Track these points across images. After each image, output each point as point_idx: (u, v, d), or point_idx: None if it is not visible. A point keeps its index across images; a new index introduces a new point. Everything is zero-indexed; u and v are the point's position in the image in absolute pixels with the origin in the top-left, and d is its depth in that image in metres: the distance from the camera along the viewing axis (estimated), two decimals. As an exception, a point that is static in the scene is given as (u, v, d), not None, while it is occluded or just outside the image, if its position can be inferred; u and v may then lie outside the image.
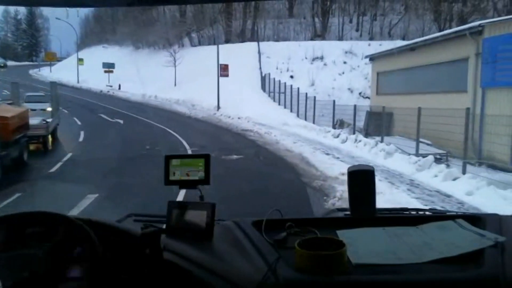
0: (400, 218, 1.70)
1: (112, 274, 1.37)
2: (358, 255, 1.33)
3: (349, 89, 31.95)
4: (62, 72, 61.76)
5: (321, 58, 36.84)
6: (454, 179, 9.61)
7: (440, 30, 33.41)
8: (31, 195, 8.99)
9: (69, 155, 14.06)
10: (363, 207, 1.64)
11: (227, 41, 48.12)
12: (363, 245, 1.40)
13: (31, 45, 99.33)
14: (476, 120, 13.41)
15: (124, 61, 53.64)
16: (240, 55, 37.32)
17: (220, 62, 30.38)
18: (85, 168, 12.32)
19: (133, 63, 50.85)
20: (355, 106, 20.21)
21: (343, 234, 1.49)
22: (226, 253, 1.43)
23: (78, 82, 54.51)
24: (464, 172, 10.40)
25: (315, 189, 9.25)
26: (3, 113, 11.52)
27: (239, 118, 24.77)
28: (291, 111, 27.47)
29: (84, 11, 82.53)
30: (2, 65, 72.15)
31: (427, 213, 1.88)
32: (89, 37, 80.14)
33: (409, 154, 12.84)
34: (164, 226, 1.62)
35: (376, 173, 1.69)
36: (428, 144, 14.18)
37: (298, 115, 26.00)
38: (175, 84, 41.51)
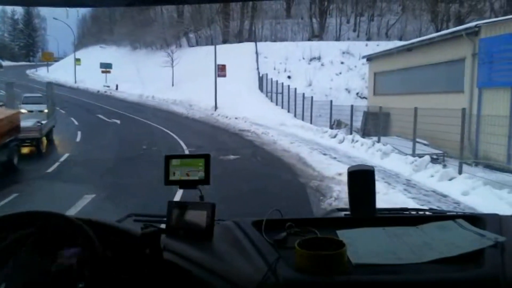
0: (400, 218, 1.70)
1: (112, 274, 1.36)
2: (358, 255, 1.33)
3: (346, 89, 31.98)
4: (59, 72, 61.68)
5: (319, 58, 36.88)
6: (450, 179, 9.64)
7: (437, 31, 33.49)
8: (28, 195, 8.98)
9: (66, 155, 14.05)
10: (363, 207, 1.64)
11: (225, 41, 48.11)
12: (363, 245, 1.40)
13: (28, 45, 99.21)
14: (472, 120, 13.46)
15: (121, 61, 53.61)
16: (237, 55, 37.32)
17: (218, 63, 30.37)
18: (82, 168, 12.31)
19: (131, 64, 50.90)
20: (352, 106, 20.24)
21: (343, 234, 1.49)
22: (226, 253, 1.43)
23: (75, 82, 54.42)
24: (460, 172, 10.43)
25: (312, 189, 9.27)
26: None
27: (236, 118, 24.77)
28: (288, 111, 27.47)
29: (82, 11, 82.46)
30: None
31: (427, 213, 1.88)
32: (87, 37, 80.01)
33: (406, 154, 12.87)
34: (164, 226, 1.61)
35: None
36: (425, 144, 14.22)
37: (295, 116, 26.00)
38: (172, 85, 41.49)
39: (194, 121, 26.04)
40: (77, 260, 1.32)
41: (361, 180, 1.65)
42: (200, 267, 1.38)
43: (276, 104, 29.89)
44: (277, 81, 30.37)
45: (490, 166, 11.82)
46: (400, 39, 38.09)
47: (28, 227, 1.36)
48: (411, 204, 7.51)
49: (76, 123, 22.98)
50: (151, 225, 1.52)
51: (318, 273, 1.20)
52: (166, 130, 20.01)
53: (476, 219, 1.59)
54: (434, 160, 12.42)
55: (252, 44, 41.57)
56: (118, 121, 24.04)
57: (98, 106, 32.56)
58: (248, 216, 1.65)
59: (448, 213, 1.81)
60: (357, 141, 15.45)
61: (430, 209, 2.09)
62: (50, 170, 11.91)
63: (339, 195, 8.13)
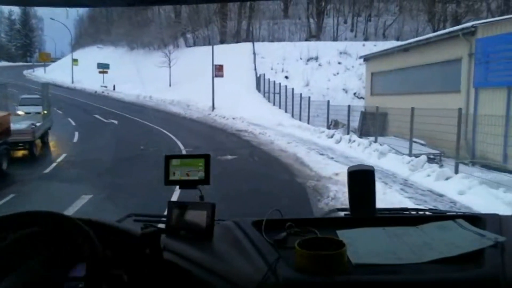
0: (400, 218, 1.70)
1: (112, 274, 1.36)
2: (358, 255, 1.33)
3: (343, 89, 32.02)
4: (57, 73, 61.61)
5: (316, 58, 36.90)
6: (447, 179, 9.67)
7: (434, 31, 33.55)
8: (25, 196, 8.98)
9: (64, 155, 14.04)
10: (363, 207, 1.64)
11: (222, 41, 48.12)
12: (363, 245, 1.40)
13: (25, 45, 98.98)
14: (469, 120, 13.50)
15: (118, 61, 53.58)
16: (235, 55, 37.31)
17: (215, 63, 30.37)
18: (79, 169, 12.30)
19: (128, 64, 50.83)
20: (349, 106, 20.26)
21: (343, 234, 1.49)
22: (226, 253, 1.43)
23: (72, 82, 54.37)
24: (456, 172, 10.46)
25: (309, 189, 9.28)
26: None
27: (234, 118, 24.77)
28: (285, 111, 27.47)
29: (79, 11, 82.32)
30: None
31: (427, 213, 1.88)
32: (84, 37, 79.89)
33: (403, 154, 12.90)
34: (164, 226, 1.61)
35: None
36: (422, 144, 14.25)
37: (292, 116, 26.01)
38: (170, 85, 41.49)
39: (191, 122, 26.03)
40: (77, 260, 1.33)
41: (361, 180, 1.65)
42: (200, 267, 1.38)
43: (274, 104, 29.88)
44: (274, 81, 30.37)
45: (487, 166, 11.84)
46: (397, 39, 38.13)
47: (28, 227, 1.36)
48: (408, 203, 7.54)
49: (73, 123, 22.95)
50: (151, 225, 1.52)
51: (318, 273, 1.20)
52: (163, 130, 19.99)
53: (476, 219, 1.59)
54: (431, 160, 12.45)
55: (249, 44, 41.58)
56: (116, 122, 24.01)
57: (95, 106, 32.52)
58: (248, 216, 1.65)
59: (448, 213, 1.81)
60: (354, 141, 15.48)
61: (430, 209, 2.09)
62: (47, 170, 11.91)
63: (336, 195, 8.15)
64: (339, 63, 35.73)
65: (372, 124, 17.86)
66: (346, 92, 31.68)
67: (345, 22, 49.82)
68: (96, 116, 26.60)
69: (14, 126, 13.19)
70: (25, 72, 67.76)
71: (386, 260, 1.30)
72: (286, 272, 1.22)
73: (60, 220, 1.35)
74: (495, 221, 1.55)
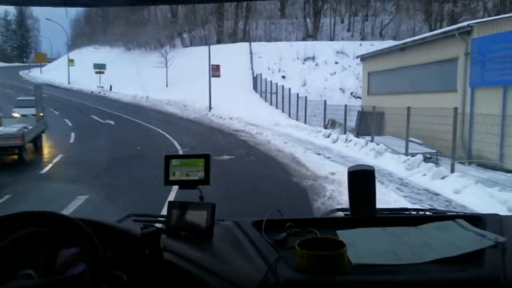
0: (400, 218, 1.70)
1: (112, 274, 1.36)
2: (358, 255, 1.32)
3: (340, 89, 32.05)
4: (53, 73, 61.55)
5: (313, 58, 36.95)
6: (443, 178, 9.69)
7: (431, 30, 33.62)
8: (21, 196, 8.96)
9: (60, 156, 14.03)
10: (363, 207, 1.64)
11: (219, 41, 48.12)
12: (363, 245, 1.40)
13: (21, 46, 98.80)
14: (465, 120, 13.52)
15: (115, 62, 53.52)
16: (231, 55, 37.33)
17: (212, 63, 30.37)
18: (75, 169, 12.29)
19: (125, 64, 50.84)
20: (346, 106, 20.28)
21: (343, 234, 1.48)
22: (226, 253, 1.42)
23: (69, 83, 54.30)
24: (452, 171, 10.48)
25: (306, 189, 9.29)
26: None
27: (230, 118, 24.78)
28: (282, 111, 27.50)
29: (75, 12, 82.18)
30: None
31: (427, 213, 1.88)
32: (80, 38, 79.80)
33: (399, 154, 12.93)
34: (164, 226, 1.61)
35: None
36: (418, 144, 14.27)
37: (289, 115, 26.03)
38: (166, 85, 41.46)
39: (188, 122, 26.02)
40: (77, 260, 1.32)
41: (361, 180, 1.65)
42: (200, 267, 1.38)
43: (271, 104, 29.92)
44: (271, 81, 30.40)
45: (483, 165, 11.87)
46: (394, 39, 38.22)
47: (28, 227, 1.35)
48: (403, 202, 7.56)
49: (69, 124, 22.92)
50: (151, 225, 1.52)
51: (318, 273, 1.20)
52: (160, 130, 19.98)
53: (476, 219, 1.58)
54: (427, 159, 12.47)
55: (246, 44, 41.61)
56: (112, 122, 23.98)
57: (91, 107, 32.47)
58: (248, 216, 1.65)
59: (448, 213, 1.81)
60: (350, 140, 15.50)
61: (430, 209, 2.08)
62: (43, 171, 11.89)
63: (332, 194, 8.15)
64: (336, 62, 35.78)
65: (369, 124, 17.88)
66: (343, 91, 31.72)
67: (342, 21, 49.88)
68: (93, 116, 26.55)
69: (4, 130, 12.94)
70: (21, 72, 67.65)
71: (386, 260, 1.30)
72: (286, 272, 1.22)
73: (60, 220, 1.34)
74: (495, 221, 1.54)
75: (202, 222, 1.57)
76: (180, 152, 13.85)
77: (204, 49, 34.73)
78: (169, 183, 1.77)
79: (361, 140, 15.11)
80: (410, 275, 1.23)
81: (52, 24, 72.13)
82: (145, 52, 56.13)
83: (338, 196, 7.95)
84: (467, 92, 14.49)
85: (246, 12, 50.67)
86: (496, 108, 12.73)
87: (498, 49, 13.15)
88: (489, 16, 28.55)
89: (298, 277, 1.20)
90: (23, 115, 18.18)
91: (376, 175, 1.67)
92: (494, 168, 11.04)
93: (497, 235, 1.40)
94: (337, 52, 36.91)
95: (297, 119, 24.40)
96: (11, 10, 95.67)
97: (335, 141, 16.28)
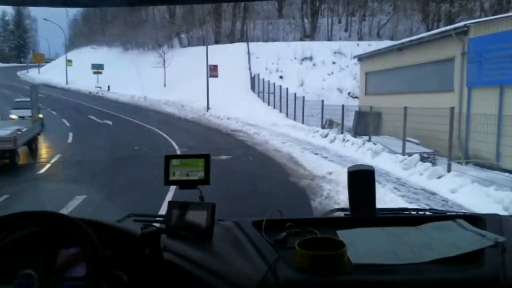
0: (400, 218, 1.70)
1: (112, 274, 1.35)
2: (358, 255, 1.32)
3: (338, 89, 32.09)
4: (51, 73, 61.48)
5: (310, 58, 36.97)
6: (439, 177, 9.73)
7: (428, 30, 33.67)
8: (19, 196, 8.97)
9: (58, 156, 14.03)
10: (363, 207, 1.63)
11: (217, 41, 48.13)
12: (363, 245, 1.39)
13: (19, 46, 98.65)
14: (462, 119, 13.57)
15: (113, 62, 53.51)
16: (229, 55, 37.34)
17: (210, 63, 30.39)
18: (73, 169, 12.32)
19: (122, 64, 50.82)
20: (343, 106, 20.31)
21: (343, 234, 1.48)
22: (226, 253, 1.42)
23: (67, 83, 54.26)
24: (449, 170, 10.52)
25: (303, 188, 9.33)
26: None
27: (228, 118, 24.79)
28: (280, 111, 27.52)
29: (73, 12, 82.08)
30: None
31: (427, 213, 1.87)
32: (78, 38, 79.70)
33: (396, 153, 12.97)
34: (164, 226, 1.60)
35: None
36: (416, 143, 14.30)
37: (287, 115, 26.05)
38: (164, 85, 41.46)
39: (186, 122, 26.03)
40: (77, 260, 1.33)
41: (361, 180, 1.65)
42: (200, 267, 1.38)
43: (268, 104, 29.94)
44: (269, 81, 30.42)
45: (480, 164, 11.92)
46: (392, 39, 38.25)
47: (28, 227, 1.36)
48: (400, 201, 7.60)
49: (67, 124, 22.92)
50: (151, 225, 1.52)
51: (318, 273, 1.19)
52: (158, 131, 19.99)
53: (476, 219, 1.58)
54: (424, 159, 12.50)
55: (244, 44, 41.61)
56: (110, 122, 23.98)
57: (89, 107, 32.47)
58: (248, 216, 1.64)
59: (448, 213, 1.80)
60: (348, 140, 15.54)
61: (430, 209, 2.07)
62: (41, 171, 11.89)
63: (329, 194, 8.18)
64: (334, 63, 35.82)
65: (366, 124, 17.91)
66: (341, 91, 31.76)
67: (340, 22, 49.92)
68: (91, 117, 26.54)
69: None
70: (19, 73, 67.56)
71: (386, 260, 1.30)
72: (286, 272, 1.21)
73: (60, 220, 1.35)
74: (495, 221, 1.54)
75: (202, 222, 1.56)
76: (178, 152, 13.86)
77: (202, 49, 34.75)
78: (169, 183, 1.76)
79: (359, 140, 15.15)
80: (410, 275, 1.23)
81: (50, 24, 72.01)
82: (143, 52, 56.09)
83: (336, 195, 7.98)
84: (464, 92, 14.52)
85: (243, 12, 50.67)
86: (492, 108, 12.77)
87: (495, 49, 13.18)
88: (486, 16, 28.61)
89: (298, 277, 1.20)
90: (20, 117, 17.89)
91: (373, 174, 1.67)
92: (490, 167, 11.09)
93: (497, 235, 1.40)
94: (335, 52, 36.94)
95: (294, 119, 24.41)
96: (9, 10, 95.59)
97: (332, 141, 16.32)
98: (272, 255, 1.31)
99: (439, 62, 16.12)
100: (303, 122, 23.05)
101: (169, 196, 7.49)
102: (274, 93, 29.10)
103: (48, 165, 12.70)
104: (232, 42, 46.66)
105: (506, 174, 9.68)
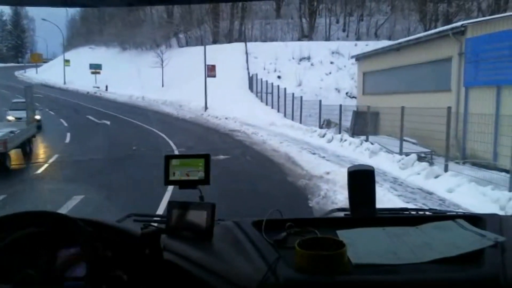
0: (400, 218, 1.70)
1: (112, 274, 1.36)
2: (358, 255, 1.32)
3: (336, 89, 32.11)
4: (49, 73, 61.42)
5: (308, 58, 36.99)
6: (436, 177, 9.77)
7: (426, 30, 33.72)
8: (17, 196, 8.98)
9: (56, 156, 14.03)
10: (363, 207, 1.63)
11: (215, 41, 48.12)
12: (363, 245, 1.39)
13: (17, 46, 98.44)
14: (459, 119, 13.60)
15: (111, 62, 53.45)
16: (227, 55, 37.34)
17: (208, 63, 30.39)
18: (71, 169, 12.32)
19: (120, 64, 50.79)
20: (340, 106, 20.34)
21: (343, 234, 1.48)
22: (226, 253, 1.42)
23: (64, 83, 54.20)
24: (446, 170, 10.56)
25: (301, 188, 9.35)
26: None
27: (226, 118, 24.80)
28: (278, 111, 27.55)
29: (71, 12, 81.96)
30: None
31: (427, 213, 1.88)
32: (76, 38, 79.57)
33: (393, 153, 13.00)
34: (164, 226, 1.60)
35: None
36: (413, 143, 14.34)
37: (285, 115, 26.09)
38: (162, 85, 41.42)
39: (184, 122, 26.01)
40: (77, 259, 1.33)
41: (361, 180, 1.65)
42: (200, 267, 1.38)
43: (266, 104, 29.96)
44: (267, 81, 30.43)
45: (477, 164, 11.95)
46: (389, 39, 38.30)
47: (28, 227, 1.36)
48: (397, 201, 7.62)
49: (65, 124, 22.91)
50: (151, 225, 1.53)
51: (318, 273, 1.19)
52: (156, 130, 19.99)
53: (476, 219, 1.58)
54: (422, 159, 12.54)
55: (242, 44, 41.61)
56: (108, 122, 23.96)
57: (87, 107, 32.43)
58: (248, 216, 1.65)
59: (448, 213, 1.81)
60: (345, 140, 15.58)
61: (430, 209, 2.08)
62: (39, 171, 11.89)
63: (326, 193, 8.20)
64: (332, 62, 35.85)
65: (364, 124, 17.93)
66: (339, 91, 31.78)
67: (337, 22, 49.94)
68: (89, 117, 26.52)
69: None
70: (16, 73, 67.46)
71: (386, 260, 1.30)
72: (286, 272, 1.22)
73: (60, 220, 1.36)
74: (495, 221, 1.54)
75: (202, 222, 1.57)
76: (176, 152, 13.87)
77: (199, 49, 34.76)
78: (169, 183, 1.77)
79: (356, 140, 15.19)
80: (410, 275, 1.23)
81: (47, 24, 71.72)
82: (141, 52, 56.05)
83: (333, 195, 8.00)
84: (461, 92, 14.57)
85: (241, 12, 50.68)
86: (489, 108, 12.81)
87: (492, 49, 13.23)
88: (484, 16, 28.69)
89: (298, 277, 1.20)
90: (17, 118, 17.48)
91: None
92: (487, 167, 11.12)
93: (497, 235, 1.40)
94: (332, 52, 36.97)
95: (292, 119, 24.45)
96: (6, 10, 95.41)
97: (330, 141, 16.35)
98: (272, 255, 1.31)
99: (436, 62, 16.17)
100: (301, 122, 23.08)
101: (167, 196, 7.52)
102: (272, 93, 29.11)
103: (46, 165, 12.70)
104: (230, 42, 46.65)
105: (503, 173, 9.69)
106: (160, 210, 6.54)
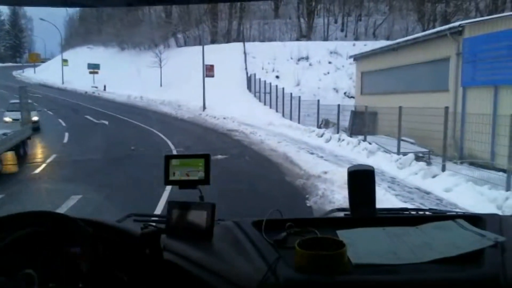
0: (400, 218, 1.70)
1: (112, 274, 1.37)
2: (358, 255, 1.32)
3: (334, 89, 32.15)
4: (47, 73, 61.33)
5: (307, 58, 37.04)
6: (434, 177, 9.79)
7: (424, 30, 33.77)
8: (15, 196, 8.97)
9: (54, 156, 14.02)
10: (363, 207, 1.63)
11: (213, 41, 48.14)
12: (363, 245, 1.39)
13: (15, 46, 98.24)
14: (457, 119, 13.64)
15: (109, 62, 53.39)
16: (225, 55, 37.34)
17: (206, 63, 30.39)
18: (69, 169, 12.30)
19: (119, 64, 50.74)
20: (338, 105, 20.38)
21: (343, 234, 1.48)
22: (226, 253, 1.42)
23: (63, 83, 54.11)
24: (443, 170, 10.59)
25: (298, 187, 9.37)
26: None
27: (224, 118, 24.81)
28: (276, 111, 27.57)
29: (69, 11, 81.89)
30: None
31: (427, 213, 1.88)
32: (74, 37, 79.43)
33: (391, 153, 13.03)
34: (164, 226, 1.60)
35: None
36: (411, 143, 14.37)
37: (283, 115, 26.11)
38: (160, 85, 41.41)
39: (182, 122, 26.01)
40: (77, 259, 1.33)
41: (361, 180, 1.65)
42: (200, 267, 1.38)
43: (264, 104, 29.99)
44: (265, 81, 30.46)
45: (475, 164, 11.98)
46: (388, 39, 38.36)
47: (27, 227, 1.36)
48: (394, 200, 7.64)
49: (63, 124, 22.89)
50: (151, 225, 1.53)
51: (318, 273, 1.19)
52: (154, 130, 19.99)
53: (476, 219, 1.58)
54: (419, 158, 12.56)
55: (240, 44, 41.64)
56: (106, 122, 23.94)
57: (86, 107, 32.40)
58: (248, 216, 1.65)
59: (448, 213, 1.81)
60: (343, 140, 15.60)
61: (430, 209, 2.08)
62: (37, 171, 11.89)
63: (324, 193, 8.21)
64: (330, 62, 35.90)
65: (362, 123, 17.97)
66: (337, 91, 31.82)
67: (336, 22, 50.01)
68: (87, 116, 26.50)
69: None
70: (14, 73, 67.31)
71: (386, 260, 1.30)
72: (286, 272, 1.21)
73: (60, 220, 1.36)
74: (495, 221, 1.55)
75: (202, 222, 1.57)
76: (174, 152, 13.88)
77: (198, 49, 34.74)
78: (169, 183, 1.76)
79: (354, 140, 15.21)
80: (410, 275, 1.23)
81: (45, 24, 71.84)
82: (139, 52, 56.02)
83: (330, 194, 8.02)
84: (459, 92, 14.60)
85: (240, 12, 50.72)
86: (487, 108, 12.84)
87: (489, 49, 13.26)
88: (482, 16, 28.76)
89: (298, 277, 1.20)
90: (14, 119, 16.96)
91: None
92: (485, 167, 11.15)
93: (497, 235, 1.40)
94: (331, 52, 37.04)
95: (290, 119, 24.48)
96: (4, 10, 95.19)
97: (328, 141, 16.37)
98: (272, 255, 1.31)
99: (434, 62, 16.20)
100: (299, 122, 23.12)
101: (165, 196, 7.53)
102: (270, 93, 29.15)
103: (44, 165, 12.69)
104: (228, 42, 46.70)
105: (500, 173, 9.72)
106: (158, 210, 6.57)
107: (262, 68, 35.80)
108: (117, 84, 44.54)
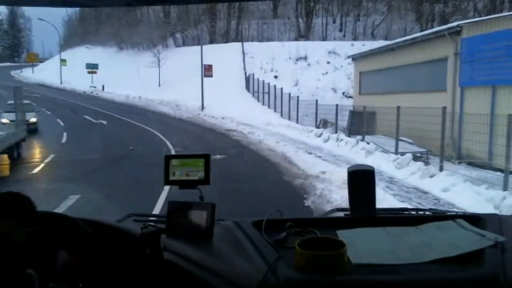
0: (400, 218, 1.71)
1: (112, 274, 1.37)
2: (358, 255, 1.32)
3: (332, 88, 32.19)
4: (45, 73, 61.18)
5: (305, 58, 37.08)
6: (431, 176, 9.82)
7: (422, 30, 33.80)
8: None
9: (52, 156, 14.01)
10: (363, 207, 1.64)
11: (212, 41, 48.14)
12: (363, 245, 1.39)
13: (13, 45, 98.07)
14: (455, 119, 13.65)
15: (107, 62, 53.32)
16: (224, 55, 37.36)
17: (204, 63, 30.40)
18: (67, 169, 12.29)
19: (117, 64, 50.68)
20: (337, 105, 20.41)
21: (343, 234, 1.48)
22: (226, 253, 1.42)
23: (61, 83, 54.02)
24: (441, 170, 10.61)
25: (296, 187, 9.38)
26: None
27: (223, 118, 24.82)
28: (275, 111, 27.59)
29: (68, 11, 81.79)
30: None
31: (427, 213, 1.88)
32: (72, 37, 79.27)
33: (389, 153, 13.05)
34: (164, 226, 1.60)
35: None
36: (409, 143, 14.39)
37: (282, 115, 26.12)
38: (159, 85, 41.39)
39: (181, 121, 26.01)
40: (77, 259, 1.34)
41: (361, 180, 1.65)
42: (200, 267, 1.38)
43: (263, 104, 30.00)
44: (263, 81, 30.47)
45: (472, 164, 12.00)
46: (386, 39, 38.39)
47: (27, 227, 1.34)
48: (392, 200, 7.66)
49: (62, 124, 22.87)
50: (151, 225, 1.53)
51: (318, 273, 1.19)
52: (153, 130, 19.98)
53: (476, 219, 1.59)
54: (417, 158, 12.59)
55: (238, 44, 41.66)
56: (105, 122, 23.94)
57: (84, 107, 32.37)
58: (248, 216, 1.65)
59: (448, 213, 1.81)
60: (341, 140, 15.63)
61: (430, 209, 2.08)
62: (35, 171, 11.88)
63: (322, 193, 8.22)
64: (328, 62, 35.94)
65: (360, 123, 17.99)
66: (335, 91, 31.87)
67: (334, 22, 50.04)
68: (85, 116, 26.48)
69: None
70: (12, 72, 67.16)
71: (386, 260, 1.30)
72: (286, 272, 1.22)
73: (60, 220, 1.37)
74: (495, 221, 1.55)
75: (202, 222, 1.57)
76: (173, 152, 13.88)
77: (196, 49, 34.74)
78: (169, 183, 1.77)
79: (352, 139, 15.23)
80: (410, 275, 1.23)
81: (44, 23, 71.81)
82: (137, 52, 55.96)
83: (328, 194, 8.03)
84: (457, 92, 14.62)
85: (238, 12, 50.72)
86: (485, 108, 12.87)
87: (487, 49, 13.28)
88: (480, 16, 28.80)
89: (298, 277, 1.20)
90: (11, 121, 16.46)
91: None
92: (483, 166, 11.17)
93: (497, 235, 1.40)
94: (329, 52, 37.08)
95: (289, 119, 24.50)
96: (3, 10, 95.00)
97: (326, 141, 16.39)
98: (272, 255, 1.31)
99: (432, 62, 16.22)
100: (297, 122, 23.14)
101: (163, 195, 7.54)
102: (268, 92, 29.16)
103: (42, 165, 12.68)
104: (227, 42, 46.71)
105: (498, 173, 9.75)
106: (157, 209, 6.58)
107: (261, 68, 35.83)
108: (115, 84, 44.49)
